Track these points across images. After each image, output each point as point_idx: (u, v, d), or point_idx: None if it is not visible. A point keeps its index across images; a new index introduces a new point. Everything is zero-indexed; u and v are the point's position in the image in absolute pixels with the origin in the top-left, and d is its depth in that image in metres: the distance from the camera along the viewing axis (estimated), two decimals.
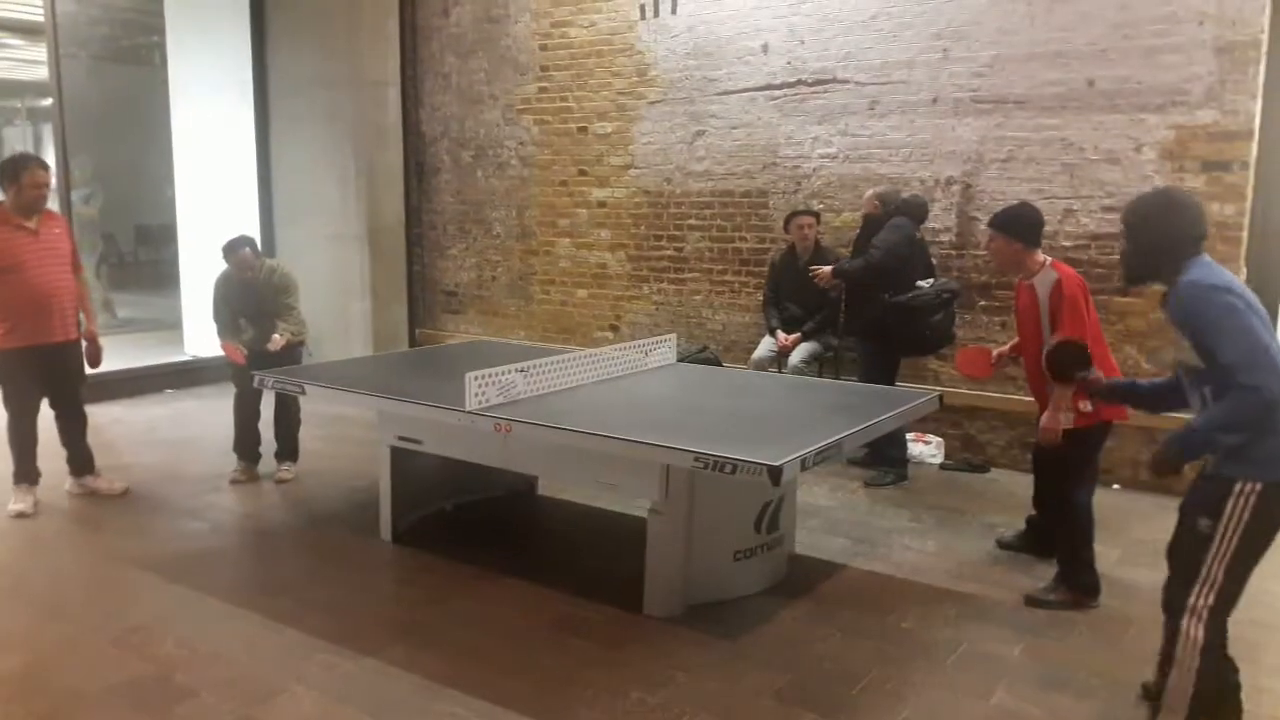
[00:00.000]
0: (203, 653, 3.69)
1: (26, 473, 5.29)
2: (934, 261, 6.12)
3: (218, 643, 3.77)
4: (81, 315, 5.38)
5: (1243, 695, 3.16)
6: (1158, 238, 3.00)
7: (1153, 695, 3.41)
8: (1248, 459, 2.82)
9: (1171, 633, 2.99)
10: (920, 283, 5.79)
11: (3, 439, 5.38)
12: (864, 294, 5.88)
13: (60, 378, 5.32)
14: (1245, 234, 5.60)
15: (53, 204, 5.31)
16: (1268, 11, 5.38)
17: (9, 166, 5.08)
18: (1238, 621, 4.08)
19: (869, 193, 6.10)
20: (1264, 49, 5.41)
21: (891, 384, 5.74)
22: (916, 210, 5.95)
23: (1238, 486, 2.84)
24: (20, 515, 5.12)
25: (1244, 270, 5.71)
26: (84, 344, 5.38)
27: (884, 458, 5.93)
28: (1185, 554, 3.00)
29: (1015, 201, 5.98)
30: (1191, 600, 2.92)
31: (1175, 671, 2.94)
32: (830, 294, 6.47)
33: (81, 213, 9.00)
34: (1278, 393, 2.70)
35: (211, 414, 7.46)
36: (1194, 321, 2.85)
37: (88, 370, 5.51)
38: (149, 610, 4.07)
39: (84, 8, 8.91)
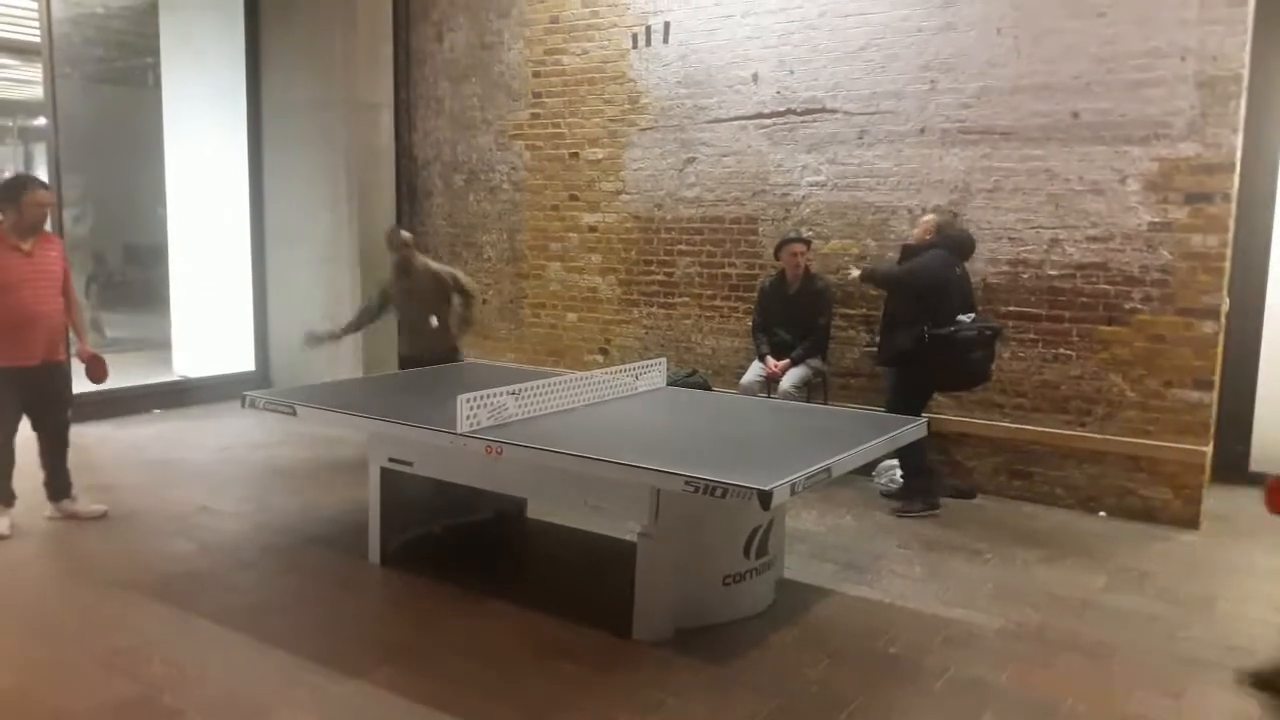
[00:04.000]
0: (190, 674, 3.68)
1: (3, 495, 5.21)
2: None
3: (206, 664, 3.76)
4: (73, 336, 5.38)
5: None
6: None
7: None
8: None
9: None
10: (961, 317, 5.65)
11: None
12: (901, 323, 5.76)
13: (43, 399, 5.26)
14: (1228, 264, 5.67)
15: (48, 225, 5.29)
16: (1248, 47, 5.49)
17: (9, 188, 5.07)
18: (1213, 645, 4.12)
19: (928, 217, 5.95)
20: (1244, 84, 5.52)
21: (919, 414, 5.71)
22: (958, 245, 5.83)
23: None
24: None
25: (1226, 301, 5.79)
26: (85, 364, 5.39)
27: (914, 487, 5.88)
28: None
29: (1003, 231, 6.12)
30: None
31: None
32: (819, 320, 6.52)
33: (71, 232, 9.00)
34: None
35: (199, 434, 7.45)
36: None
37: (95, 387, 5.52)
38: (136, 631, 4.05)
39: (79, 29, 8.94)
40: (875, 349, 6.25)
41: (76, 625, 4.14)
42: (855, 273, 6.05)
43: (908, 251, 5.87)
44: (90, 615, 4.25)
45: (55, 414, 5.36)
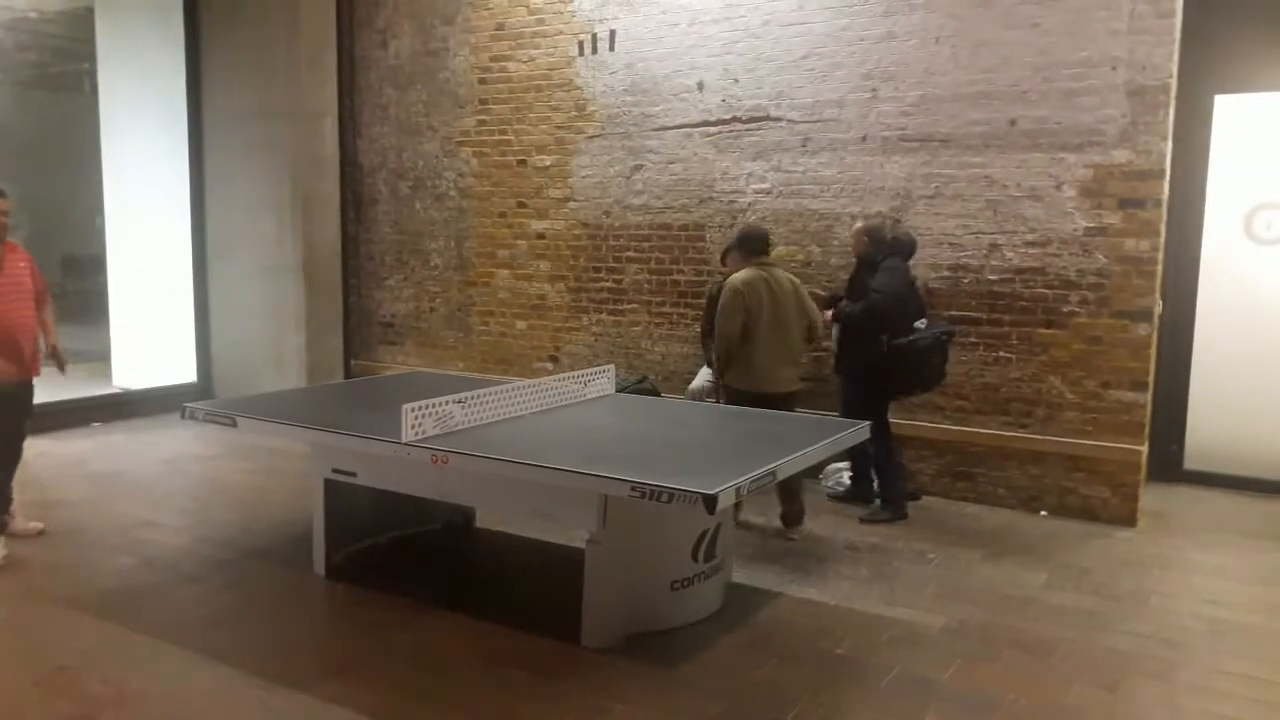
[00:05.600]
0: (131, 691, 3.61)
1: None
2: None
3: (147, 681, 3.70)
4: (43, 338, 5.27)
5: (1159, 712, 3.26)
6: None
7: None
8: None
9: None
10: (916, 324, 5.71)
11: None
12: (861, 336, 5.76)
13: (12, 416, 5.14)
14: (1159, 268, 5.83)
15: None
16: (1176, 57, 5.66)
17: None
18: (1148, 638, 4.24)
19: (857, 227, 6.02)
20: (1173, 93, 5.68)
21: (884, 419, 5.76)
22: (907, 247, 5.90)
23: None
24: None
25: (1159, 303, 5.95)
26: (54, 361, 5.31)
27: (888, 497, 5.92)
28: None
29: (944, 236, 6.23)
30: None
31: None
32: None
33: None
34: None
35: (141, 447, 7.31)
36: None
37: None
38: (74, 649, 3.97)
39: (11, 33, 8.74)
40: (834, 359, 6.19)
41: (13, 644, 4.04)
42: (829, 314, 5.97)
43: (864, 263, 5.90)
44: (28, 633, 4.15)
45: (19, 429, 5.25)
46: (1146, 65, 5.63)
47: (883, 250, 5.85)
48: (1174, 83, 5.68)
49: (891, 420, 5.93)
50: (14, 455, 5.30)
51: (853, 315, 5.76)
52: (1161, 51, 5.61)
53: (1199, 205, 6.61)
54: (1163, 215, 5.78)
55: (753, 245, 5.57)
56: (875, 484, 6.06)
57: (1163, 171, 5.71)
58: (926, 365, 5.69)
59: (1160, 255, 5.82)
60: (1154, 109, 5.65)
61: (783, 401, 5.45)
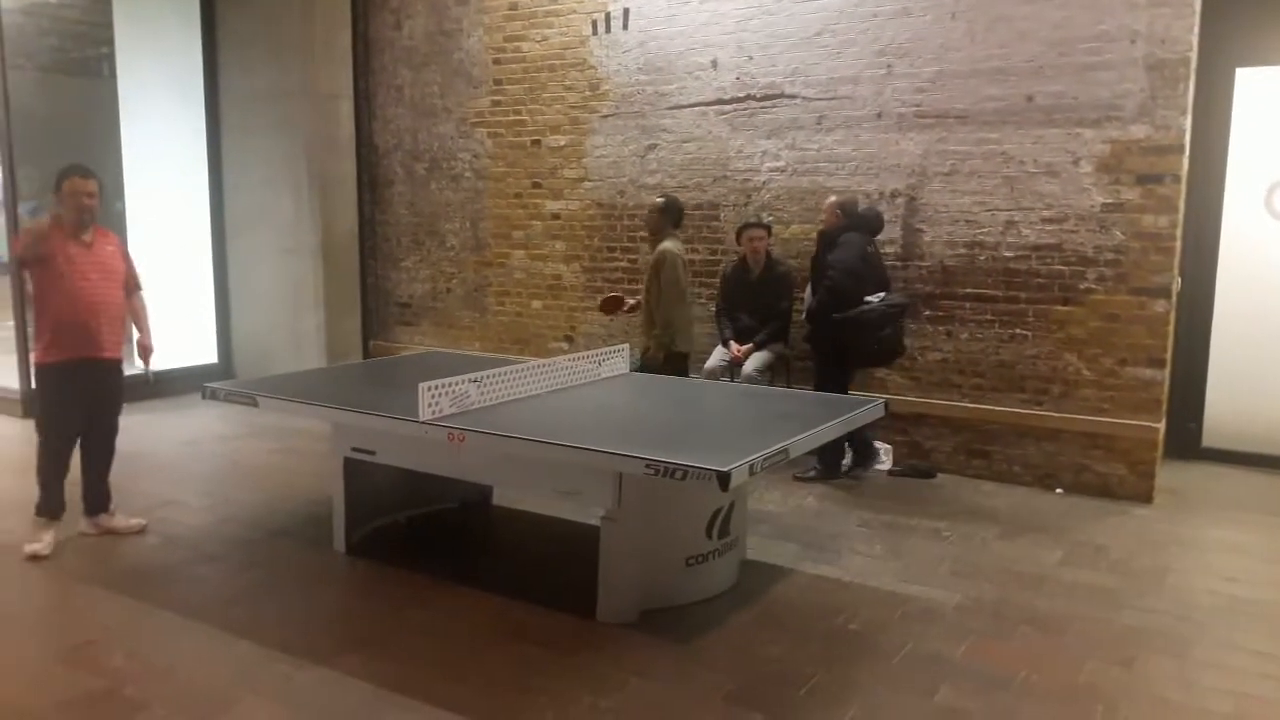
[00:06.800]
0: (155, 666, 3.68)
1: (53, 507, 4.92)
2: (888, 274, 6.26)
3: (170, 656, 3.76)
4: (135, 330, 5.18)
5: (1173, 688, 3.26)
6: None
7: None
8: None
9: None
10: (869, 298, 5.89)
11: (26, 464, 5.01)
12: (825, 312, 5.97)
13: (100, 401, 5.04)
14: (1178, 244, 5.78)
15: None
16: (1196, 30, 5.59)
17: (58, 176, 4.84)
18: (1164, 615, 4.24)
19: (829, 200, 6.21)
20: (1193, 66, 5.62)
21: (844, 393, 5.84)
22: (870, 223, 6.08)
23: None
24: (35, 557, 4.78)
25: (1178, 280, 5.91)
26: (138, 351, 5.17)
27: (823, 459, 6.14)
28: None
29: (960, 214, 6.21)
30: None
31: None
32: (781, 304, 6.58)
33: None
34: None
35: (163, 428, 7.39)
36: None
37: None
38: (99, 625, 4.04)
39: (32, 19, 8.78)
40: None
41: (40, 620, 4.13)
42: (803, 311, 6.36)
43: (825, 237, 6.10)
44: (54, 609, 4.24)
45: (108, 417, 5.16)
46: (1166, 38, 5.57)
47: (852, 225, 6.00)
48: (1194, 56, 5.62)
49: (907, 398, 5.96)
50: (106, 448, 5.19)
51: (817, 309, 6.04)
52: (1181, 24, 5.54)
53: (1219, 180, 6.54)
54: (1182, 191, 5.73)
55: (677, 217, 5.92)
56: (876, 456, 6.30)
57: (1182, 146, 5.65)
58: (875, 338, 5.89)
59: (1179, 231, 5.78)
60: (1173, 83, 5.59)
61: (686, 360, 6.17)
